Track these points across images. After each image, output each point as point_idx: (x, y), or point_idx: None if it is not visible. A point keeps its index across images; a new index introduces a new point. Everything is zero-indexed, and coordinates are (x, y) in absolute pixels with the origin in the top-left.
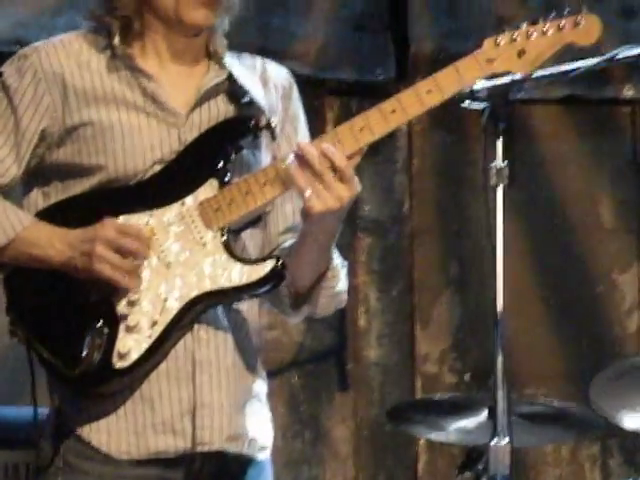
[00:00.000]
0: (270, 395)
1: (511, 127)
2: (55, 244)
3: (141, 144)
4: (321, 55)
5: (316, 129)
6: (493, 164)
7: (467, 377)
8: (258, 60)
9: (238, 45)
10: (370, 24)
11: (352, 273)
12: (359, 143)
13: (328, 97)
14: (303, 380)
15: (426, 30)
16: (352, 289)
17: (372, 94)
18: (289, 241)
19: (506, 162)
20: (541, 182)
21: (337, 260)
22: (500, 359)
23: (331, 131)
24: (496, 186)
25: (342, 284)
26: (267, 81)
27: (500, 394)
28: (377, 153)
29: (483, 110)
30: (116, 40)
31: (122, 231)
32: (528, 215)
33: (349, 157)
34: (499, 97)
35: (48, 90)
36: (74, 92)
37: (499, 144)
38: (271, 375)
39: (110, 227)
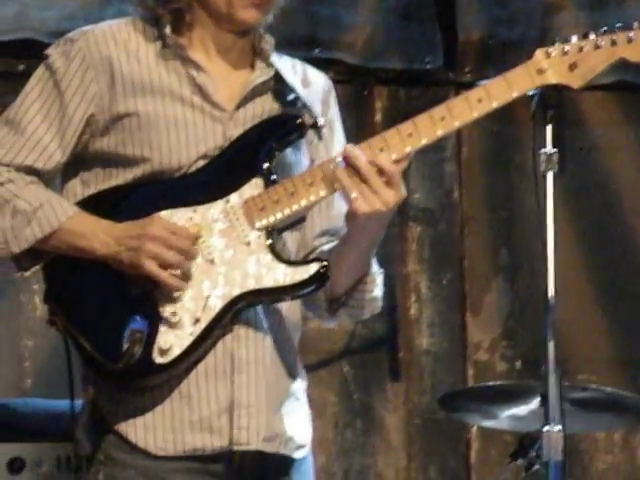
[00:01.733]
0: (321, 385)
1: (561, 113)
2: (100, 236)
3: (186, 138)
4: (369, 44)
5: (364, 119)
6: (543, 150)
7: (518, 364)
8: (298, 63)
9: (286, 35)
10: (418, 13)
11: (403, 262)
12: (406, 148)
13: (377, 86)
14: (354, 369)
15: (474, 18)
16: (403, 278)
17: (420, 83)
18: (326, 245)
19: (556, 148)
20: (591, 169)
21: (375, 266)
22: (551, 346)
23: (379, 135)
24: (546, 173)
25: (378, 290)
26: (308, 84)
27: (552, 381)
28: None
29: (532, 96)
30: (167, 30)
31: (171, 230)
32: (578, 202)
33: (396, 162)
34: None
35: (96, 77)
36: (122, 80)
37: (549, 130)
38: (322, 365)
39: (159, 225)
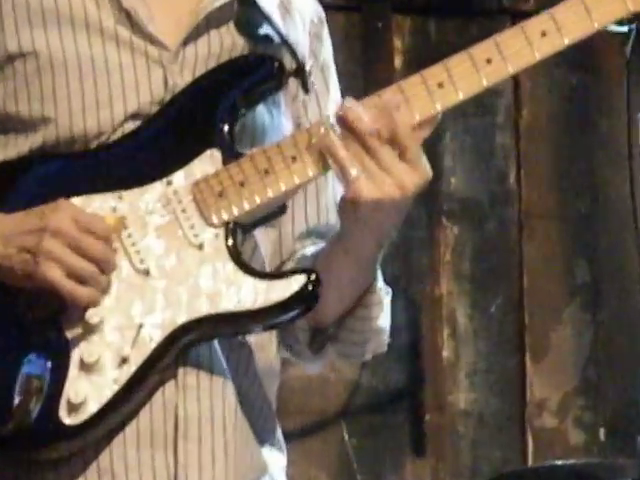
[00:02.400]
0: (309, 460)
1: None
2: None
3: (108, 89)
4: None
5: (377, 63)
6: None
7: (602, 434)
8: None
9: None
10: None
11: (432, 279)
12: (435, 106)
13: (396, 17)
14: (358, 438)
15: None
16: (432, 302)
17: (459, 11)
18: (310, 248)
19: None
20: None
21: (380, 282)
22: None
23: (394, 85)
24: None
25: (385, 317)
26: (290, 10)
27: None
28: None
29: (627, 33)
30: None
31: (84, 223)
32: None
33: (418, 125)
34: None
35: None
36: (12, 4)
37: None
38: (312, 430)
39: (66, 214)
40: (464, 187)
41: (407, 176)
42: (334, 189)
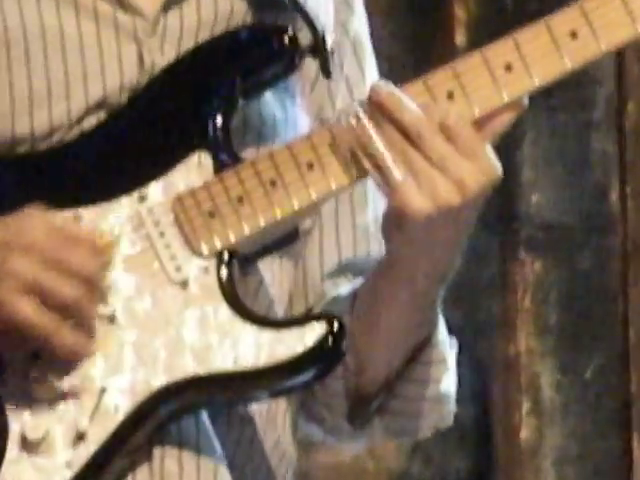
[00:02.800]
0: None
1: None
2: None
3: (62, 70)
4: None
5: (434, 41)
6: None
7: None
8: None
9: None
10: None
11: (506, 333)
12: (501, 96)
13: None
14: None
15: None
16: (507, 365)
17: None
18: (344, 287)
19: None
20: None
21: (443, 332)
22: None
23: (447, 66)
24: None
25: (450, 380)
26: None
27: None
28: (552, 95)
29: None
30: None
31: (65, 233)
32: None
33: (481, 119)
34: None
35: None
36: None
37: None
38: None
39: (39, 224)
40: (549, 208)
41: (467, 173)
42: (376, 207)
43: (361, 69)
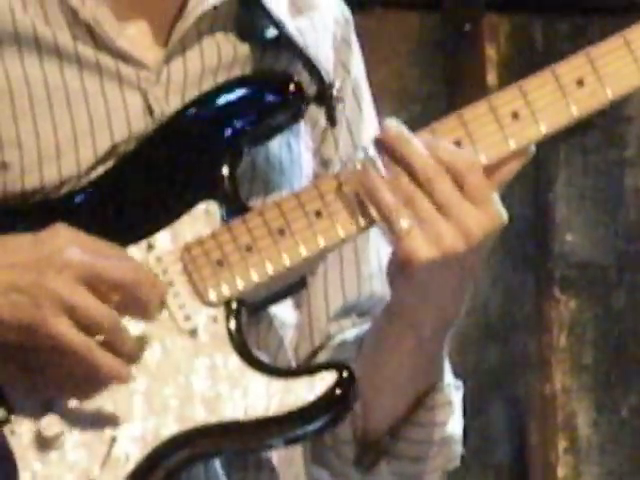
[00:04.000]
0: None
1: None
2: None
3: (70, 124)
4: None
5: (465, 81)
6: None
7: None
8: None
9: None
10: None
11: (542, 372)
12: (507, 143)
13: (489, 16)
14: None
15: None
16: (543, 404)
17: (571, 10)
18: (351, 331)
19: None
20: None
21: (448, 375)
22: None
23: (453, 115)
24: None
25: (456, 422)
26: (303, 10)
27: None
28: (585, 134)
29: None
30: None
31: (100, 251)
32: None
33: (492, 166)
34: None
35: None
36: None
37: None
38: None
39: (72, 240)
40: (583, 247)
41: (472, 219)
42: (378, 246)
43: (360, 109)
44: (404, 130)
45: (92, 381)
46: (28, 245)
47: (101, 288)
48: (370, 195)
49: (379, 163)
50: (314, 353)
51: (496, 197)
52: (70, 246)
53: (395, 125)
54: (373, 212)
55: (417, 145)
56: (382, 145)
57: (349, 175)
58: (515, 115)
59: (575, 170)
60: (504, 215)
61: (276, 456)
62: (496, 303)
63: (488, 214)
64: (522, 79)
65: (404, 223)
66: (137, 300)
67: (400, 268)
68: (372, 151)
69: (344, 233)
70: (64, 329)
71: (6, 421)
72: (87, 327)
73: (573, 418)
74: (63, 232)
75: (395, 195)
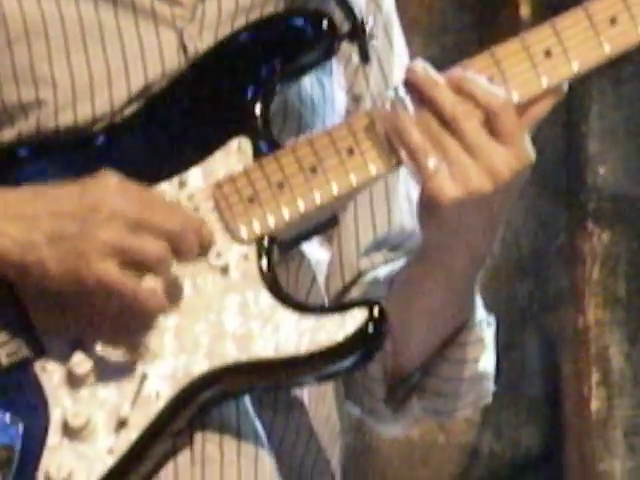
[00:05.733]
0: None
1: None
2: None
3: (103, 61)
4: None
5: (499, 13)
6: None
7: None
8: None
9: None
10: None
11: (575, 305)
12: (539, 81)
13: None
14: None
15: None
16: (576, 338)
17: None
18: (384, 266)
19: None
20: None
21: (480, 312)
22: None
23: (485, 52)
24: None
25: (488, 358)
26: None
27: None
28: (617, 67)
29: None
30: None
31: (141, 196)
32: None
33: (523, 105)
34: None
35: None
36: None
37: None
38: None
39: (118, 187)
40: (617, 180)
41: (499, 158)
42: (407, 180)
43: (391, 44)
44: (430, 71)
45: (125, 319)
46: (73, 193)
47: (146, 235)
48: (398, 136)
49: (408, 103)
50: (345, 289)
51: (525, 136)
52: (116, 194)
53: (422, 66)
54: (401, 152)
55: (443, 86)
56: (409, 84)
57: (380, 114)
58: (548, 53)
59: (608, 103)
60: (532, 155)
61: (307, 395)
62: (528, 237)
63: (516, 154)
64: (555, 16)
65: (431, 163)
66: (181, 248)
67: (428, 208)
68: (402, 91)
69: (376, 171)
70: (109, 270)
71: (37, 358)
72: (136, 266)
73: (606, 351)
74: (110, 180)
75: (423, 136)
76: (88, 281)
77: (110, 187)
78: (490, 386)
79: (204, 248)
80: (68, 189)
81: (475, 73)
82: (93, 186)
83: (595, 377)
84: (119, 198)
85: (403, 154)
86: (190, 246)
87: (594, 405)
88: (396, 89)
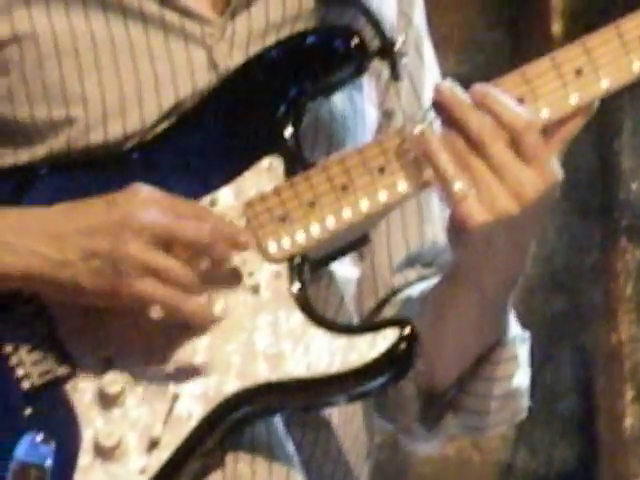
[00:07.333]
0: None
1: None
2: (9, 239)
3: (134, 80)
4: None
5: (530, 30)
6: None
7: None
8: None
9: None
10: None
11: (609, 321)
12: (568, 100)
13: None
14: None
15: None
16: (610, 354)
17: None
18: (418, 283)
19: None
20: None
21: (514, 328)
22: None
23: (516, 71)
24: None
25: (523, 375)
26: None
27: None
28: None
29: None
30: None
31: (172, 208)
32: None
33: (553, 124)
34: None
35: None
36: None
37: None
38: None
39: (149, 200)
40: None
41: (526, 181)
42: (437, 204)
43: (422, 60)
44: (458, 91)
45: (156, 339)
46: (102, 208)
47: (178, 247)
48: (428, 159)
49: (436, 126)
50: (379, 307)
51: (551, 157)
52: (144, 207)
53: (449, 86)
54: (430, 175)
55: (470, 107)
56: (440, 106)
57: (411, 134)
58: (578, 72)
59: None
60: (558, 175)
61: (336, 415)
62: (562, 253)
63: (542, 175)
64: (587, 33)
65: (459, 187)
66: (213, 256)
67: (457, 231)
68: (431, 113)
69: (406, 191)
70: (150, 288)
71: (69, 378)
72: (166, 282)
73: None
74: (138, 192)
75: (451, 158)
76: (127, 299)
77: (138, 200)
78: (524, 403)
79: (240, 254)
80: (97, 205)
81: (502, 91)
82: (121, 200)
83: (629, 394)
84: (147, 211)
85: (432, 177)
86: (221, 254)
87: (628, 422)
88: (425, 111)
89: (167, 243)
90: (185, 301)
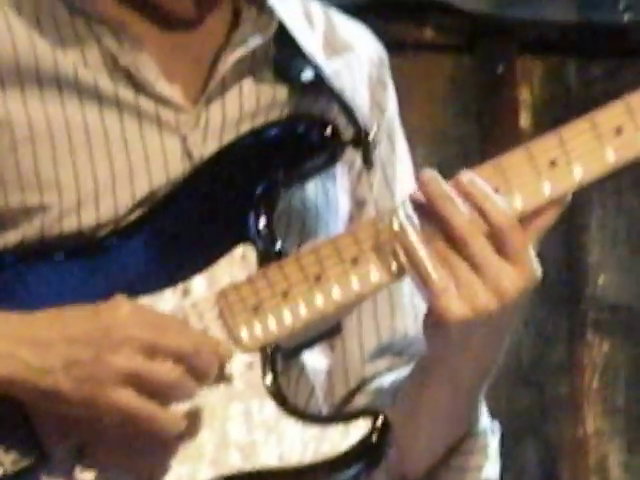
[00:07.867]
0: None
1: None
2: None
3: (108, 168)
4: None
5: (498, 123)
6: None
7: None
8: (317, 9)
9: None
10: None
11: (575, 414)
12: (542, 191)
13: (522, 58)
14: None
15: None
16: (575, 447)
17: (606, 52)
18: (389, 373)
19: None
20: None
21: (484, 420)
22: None
23: (490, 162)
24: None
25: (492, 466)
26: (339, 51)
27: None
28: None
29: None
30: None
31: (159, 323)
32: None
33: (528, 216)
34: None
35: None
36: None
37: None
38: None
39: (130, 313)
40: (617, 290)
41: (507, 279)
42: (411, 287)
43: (393, 150)
44: (442, 185)
45: (132, 434)
46: (87, 318)
47: (160, 358)
48: (406, 254)
49: (415, 220)
50: (349, 396)
51: (531, 254)
52: (129, 319)
53: (434, 179)
54: (407, 268)
55: (453, 204)
56: (417, 203)
57: (387, 226)
58: (553, 163)
59: (609, 212)
60: (538, 272)
61: None
62: (529, 346)
63: (523, 273)
64: (554, 126)
65: (439, 283)
66: (197, 369)
67: (434, 325)
68: (409, 207)
69: (379, 281)
70: (125, 398)
71: (41, 466)
72: (150, 391)
73: (605, 461)
74: (123, 305)
75: (430, 253)
76: (104, 408)
77: (123, 312)
78: None
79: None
80: (82, 314)
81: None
82: (106, 311)
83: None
84: (132, 323)
85: (409, 270)
86: (206, 367)
87: None
88: (403, 204)
89: (151, 355)
90: (161, 415)
